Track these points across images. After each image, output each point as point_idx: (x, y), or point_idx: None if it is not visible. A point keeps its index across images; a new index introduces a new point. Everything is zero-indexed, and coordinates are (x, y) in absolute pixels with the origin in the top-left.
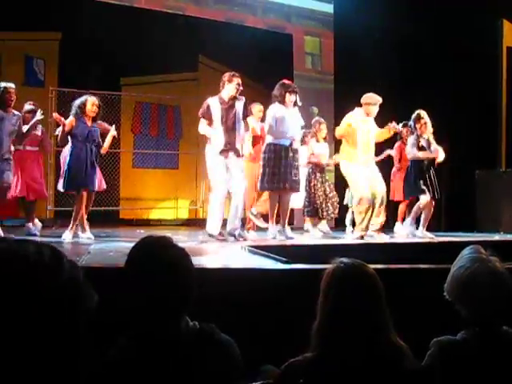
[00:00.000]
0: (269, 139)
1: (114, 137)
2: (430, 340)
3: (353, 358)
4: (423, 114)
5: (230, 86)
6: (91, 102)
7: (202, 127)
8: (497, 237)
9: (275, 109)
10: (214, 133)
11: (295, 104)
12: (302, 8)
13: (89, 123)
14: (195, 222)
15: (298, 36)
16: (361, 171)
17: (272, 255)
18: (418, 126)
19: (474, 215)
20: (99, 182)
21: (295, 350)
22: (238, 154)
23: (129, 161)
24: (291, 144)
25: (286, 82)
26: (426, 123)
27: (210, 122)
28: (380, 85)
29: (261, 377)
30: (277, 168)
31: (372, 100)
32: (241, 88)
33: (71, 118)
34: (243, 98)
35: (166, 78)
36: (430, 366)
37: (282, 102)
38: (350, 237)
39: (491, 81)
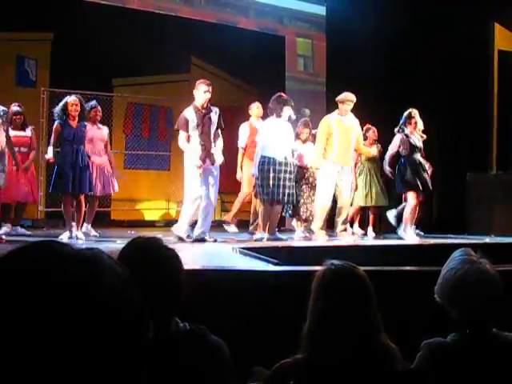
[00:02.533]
0: (262, 152)
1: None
2: (420, 342)
3: (343, 360)
4: (415, 112)
5: (198, 94)
6: (70, 102)
7: (182, 142)
8: (487, 239)
9: (269, 123)
10: (189, 149)
11: (289, 118)
12: (295, 10)
13: (74, 124)
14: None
15: (291, 38)
16: (332, 174)
17: (263, 257)
18: (408, 124)
19: (465, 218)
20: (105, 186)
21: (286, 352)
22: (212, 162)
23: (120, 162)
24: (285, 157)
25: (282, 95)
26: (416, 122)
27: (189, 134)
28: (371, 86)
29: (251, 378)
30: (272, 180)
31: (345, 97)
32: (208, 95)
33: (56, 125)
34: (217, 110)
35: (158, 80)
36: (420, 369)
37: (278, 115)
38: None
39: (483, 84)
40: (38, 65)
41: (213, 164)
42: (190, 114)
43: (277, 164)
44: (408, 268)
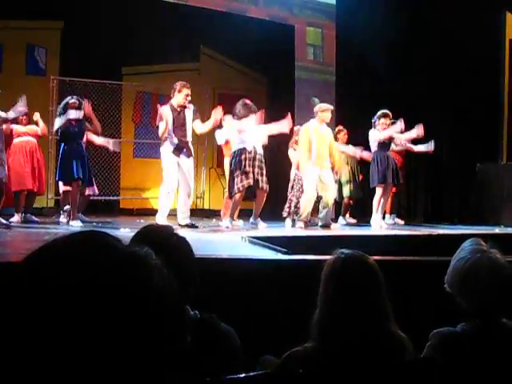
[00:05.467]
0: (233, 148)
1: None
2: (430, 332)
3: (353, 349)
4: (387, 114)
5: (179, 96)
6: (70, 103)
7: (162, 131)
8: (497, 230)
9: (235, 122)
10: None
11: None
12: None
13: (75, 120)
14: (195, 212)
15: (300, 27)
16: (313, 176)
17: (272, 246)
18: (379, 123)
19: (475, 208)
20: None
21: (295, 341)
22: (188, 155)
23: (129, 150)
24: (254, 147)
25: (247, 102)
26: (385, 123)
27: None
28: (380, 76)
29: (260, 367)
30: (244, 169)
31: (325, 107)
32: (189, 99)
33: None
34: (192, 106)
35: (168, 68)
36: (430, 358)
37: (239, 119)
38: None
39: (494, 74)
40: (48, 53)
41: (189, 157)
42: (166, 111)
43: (246, 153)
44: (418, 258)
